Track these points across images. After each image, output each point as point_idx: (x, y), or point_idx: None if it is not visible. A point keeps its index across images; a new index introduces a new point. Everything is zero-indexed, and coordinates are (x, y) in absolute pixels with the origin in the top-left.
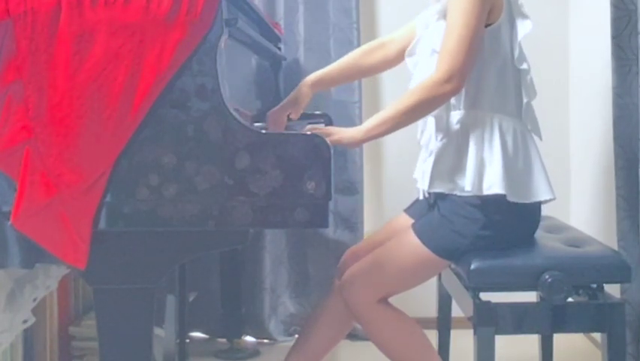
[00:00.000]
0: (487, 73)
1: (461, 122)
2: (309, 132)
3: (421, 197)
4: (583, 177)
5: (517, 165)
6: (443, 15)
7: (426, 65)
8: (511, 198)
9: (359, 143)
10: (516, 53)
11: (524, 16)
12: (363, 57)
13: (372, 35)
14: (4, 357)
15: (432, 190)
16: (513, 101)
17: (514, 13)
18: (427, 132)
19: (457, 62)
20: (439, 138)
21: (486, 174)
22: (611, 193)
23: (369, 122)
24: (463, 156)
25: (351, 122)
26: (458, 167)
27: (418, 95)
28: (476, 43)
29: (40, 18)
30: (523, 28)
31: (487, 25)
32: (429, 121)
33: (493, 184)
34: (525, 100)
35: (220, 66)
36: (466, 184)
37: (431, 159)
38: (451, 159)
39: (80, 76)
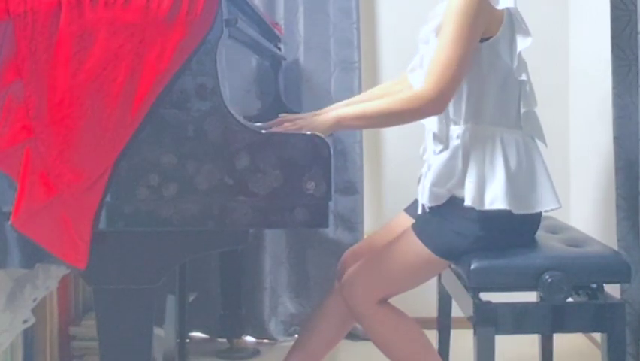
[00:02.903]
0: (487, 86)
1: (461, 136)
2: (309, 132)
3: (420, 211)
4: (583, 177)
5: (520, 178)
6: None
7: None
8: (515, 211)
9: (326, 132)
10: (515, 64)
11: (526, 33)
12: (387, 92)
13: (372, 35)
14: (4, 357)
15: (431, 205)
16: (513, 112)
17: (515, 28)
18: (427, 148)
19: (445, 82)
20: (437, 152)
21: (487, 189)
22: (611, 193)
23: (345, 113)
24: (463, 170)
25: None
26: (458, 181)
27: (402, 106)
28: (466, 65)
29: (40, 18)
30: (522, 43)
31: (486, 39)
32: (428, 136)
33: (496, 199)
34: (524, 109)
35: (220, 66)
36: (466, 199)
37: (430, 174)
38: (450, 173)
39: (80, 76)
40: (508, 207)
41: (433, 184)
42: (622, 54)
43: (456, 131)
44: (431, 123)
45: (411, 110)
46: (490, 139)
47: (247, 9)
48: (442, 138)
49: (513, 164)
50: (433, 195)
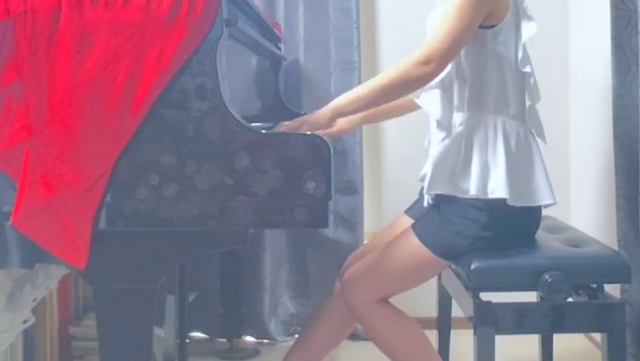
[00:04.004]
0: (490, 74)
1: (464, 124)
2: (308, 132)
3: (425, 204)
4: (583, 177)
5: (519, 169)
6: None
7: None
8: (512, 203)
9: (327, 123)
10: (520, 55)
11: (529, 18)
12: None
13: (373, 35)
14: (4, 357)
15: (432, 192)
16: (516, 103)
17: (520, 15)
18: (431, 139)
19: (439, 48)
20: (440, 140)
21: (490, 177)
22: (611, 193)
23: (339, 101)
24: (465, 158)
25: None
26: (460, 169)
27: (392, 74)
28: (464, 38)
29: (40, 18)
30: (528, 30)
31: (491, 27)
32: (432, 125)
33: (497, 188)
34: (528, 103)
35: (220, 66)
36: (471, 188)
37: (434, 162)
38: (452, 160)
39: (80, 76)
40: (507, 196)
41: (436, 171)
42: (622, 54)
43: (459, 118)
44: (435, 111)
45: (402, 78)
46: (492, 127)
47: (247, 9)
48: (445, 126)
49: (513, 154)
50: (434, 182)
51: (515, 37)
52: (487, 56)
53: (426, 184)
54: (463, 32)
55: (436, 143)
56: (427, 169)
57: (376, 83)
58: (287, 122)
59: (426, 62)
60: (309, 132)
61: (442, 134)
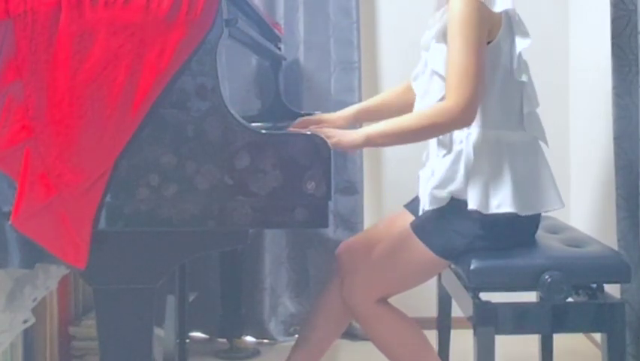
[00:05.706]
0: (489, 89)
1: (465, 140)
2: (309, 132)
3: (420, 213)
4: (583, 177)
5: (525, 180)
6: (442, 36)
7: (426, 87)
8: (521, 213)
9: (358, 148)
10: (515, 65)
11: (524, 34)
12: (396, 97)
13: (373, 35)
14: (4, 357)
15: (432, 208)
16: (516, 114)
17: (514, 29)
18: (430, 153)
19: (468, 92)
20: (441, 156)
21: (492, 194)
22: (611, 193)
23: (374, 130)
24: (465, 175)
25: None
26: (460, 186)
27: (430, 120)
28: (482, 68)
29: (40, 18)
30: (521, 44)
31: (487, 43)
32: (432, 141)
33: (503, 203)
34: (526, 110)
35: (220, 66)
36: (470, 203)
37: (433, 179)
38: (452, 177)
39: (80, 76)
40: (515, 210)
41: (436, 188)
42: (622, 54)
43: (460, 135)
44: None
45: (441, 124)
46: (494, 142)
47: (247, 9)
48: (446, 143)
49: (519, 168)
50: (434, 198)
51: (510, 49)
52: (485, 72)
53: (427, 202)
54: (479, 65)
55: (436, 158)
56: (427, 185)
57: (412, 125)
58: (314, 126)
59: (463, 110)
60: (308, 132)
61: (443, 151)
